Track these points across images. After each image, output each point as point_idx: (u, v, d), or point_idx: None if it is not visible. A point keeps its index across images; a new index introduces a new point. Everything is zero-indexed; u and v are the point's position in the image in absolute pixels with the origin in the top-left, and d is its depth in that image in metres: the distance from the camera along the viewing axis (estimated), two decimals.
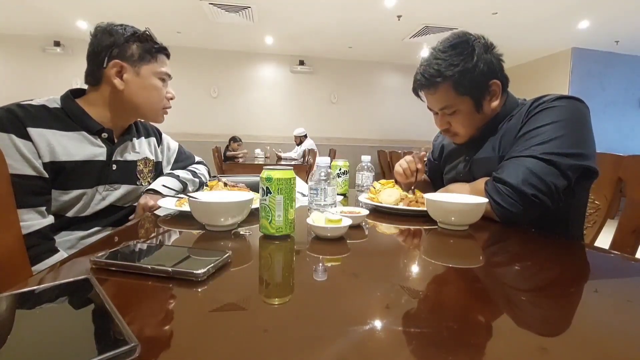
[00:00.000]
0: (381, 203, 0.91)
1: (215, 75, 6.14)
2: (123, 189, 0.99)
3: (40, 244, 0.79)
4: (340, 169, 1.22)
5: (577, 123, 0.82)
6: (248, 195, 0.76)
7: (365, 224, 0.79)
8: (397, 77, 6.68)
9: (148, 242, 0.64)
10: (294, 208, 0.66)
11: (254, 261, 0.55)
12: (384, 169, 5.50)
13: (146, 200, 0.97)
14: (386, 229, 0.78)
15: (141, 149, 1.08)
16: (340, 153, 5.96)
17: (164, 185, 1.04)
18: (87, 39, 0.93)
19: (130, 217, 1.02)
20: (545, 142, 0.80)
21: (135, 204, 1.02)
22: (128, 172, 1.01)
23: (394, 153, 4.75)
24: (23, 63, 5.46)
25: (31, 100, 0.87)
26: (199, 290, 0.41)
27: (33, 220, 0.79)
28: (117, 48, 0.91)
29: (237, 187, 0.95)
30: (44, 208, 0.82)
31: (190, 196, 0.71)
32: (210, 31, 5.14)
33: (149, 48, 0.96)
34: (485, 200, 0.75)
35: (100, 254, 0.47)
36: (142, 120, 1.13)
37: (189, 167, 1.24)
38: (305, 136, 5.71)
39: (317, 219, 0.64)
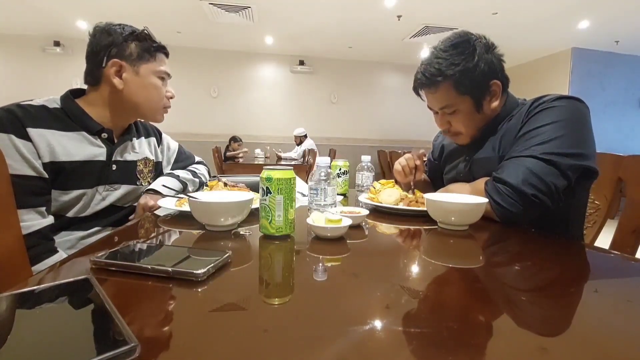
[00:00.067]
0: (381, 203, 0.91)
1: (215, 75, 6.14)
2: (123, 189, 0.99)
3: (40, 244, 0.79)
4: (340, 169, 1.22)
5: (577, 123, 0.82)
6: (248, 195, 0.76)
7: (365, 224, 0.79)
8: (397, 77, 6.68)
9: (148, 242, 0.64)
10: (294, 208, 0.66)
11: (254, 261, 0.55)
12: (384, 169, 5.50)
13: (146, 200, 0.97)
14: (386, 229, 0.78)
15: (141, 149, 1.08)
16: (340, 153, 5.96)
17: (164, 185, 1.04)
18: (87, 39, 0.93)
19: (130, 217, 1.02)
20: (545, 142, 0.80)
21: (135, 204, 1.02)
22: (128, 172, 1.01)
23: (394, 153, 4.76)
24: (23, 63, 5.46)
25: (31, 100, 0.87)
26: (199, 290, 0.41)
27: (33, 221, 0.79)
28: (115, 47, 0.91)
29: (237, 187, 0.95)
30: (43, 208, 0.82)
31: (190, 196, 0.71)
32: (210, 31, 5.14)
33: (148, 47, 0.96)
34: (485, 200, 0.75)
35: (100, 254, 0.47)
36: (142, 120, 1.13)
37: (189, 167, 1.24)
38: (305, 136, 5.71)
39: (317, 219, 0.64)
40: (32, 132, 0.81)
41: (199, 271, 0.42)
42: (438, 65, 0.91)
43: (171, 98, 1.04)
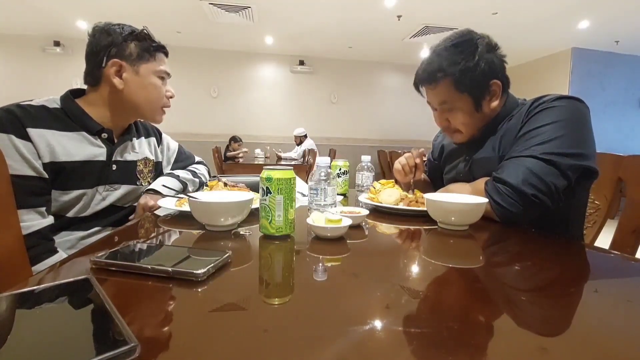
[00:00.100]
0: (381, 203, 0.91)
1: (215, 75, 6.14)
2: (123, 189, 0.99)
3: (40, 245, 0.79)
4: (340, 169, 1.22)
5: (577, 123, 0.82)
6: (248, 195, 0.76)
7: (365, 224, 0.79)
8: (397, 77, 6.68)
9: (148, 242, 0.64)
10: (294, 208, 0.66)
11: (254, 261, 0.55)
12: (384, 169, 5.50)
13: (146, 200, 0.97)
14: (386, 229, 0.78)
15: (141, 149, 1.08)
16: (340, 153, 5.96)
17: (164, 185, 1.04)
18: (86, 39, 0.93)
19: (130, 217, 1.02)
20: (545, 142, 0.80)
21: (135, 204, 1.02)
22: (128, 172, 1.01)
23: (394, 153, 4.75)
24: (23, 63, 5.46)
25: (31, 100, 0.87)
26: (199, 290, 0.41)
27: (33, 221, 0.79)
28: (115, 47, 0.91)
29: (237, 187, 0.95)
30: (43, 208, 0.82)
31: (190, 196, 0.71)
32: (210, 31, 5.14)
33: (147, 47, 0.96)
34: (485, 200, 0.75)
35: (100, 254, 0.47)
36: (142, 120, 1.13)
37: (189, 167, 1.24)
38: (305, 136, 5.71)
39: (317, 219, 0.64)
40: (32, 132, 0.81)
41: (199, 271, 0.42)
42: (439, 62, 0.91)
43: (171, 97, 1.04)
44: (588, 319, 0.39)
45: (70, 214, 0.90)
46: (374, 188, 1.00)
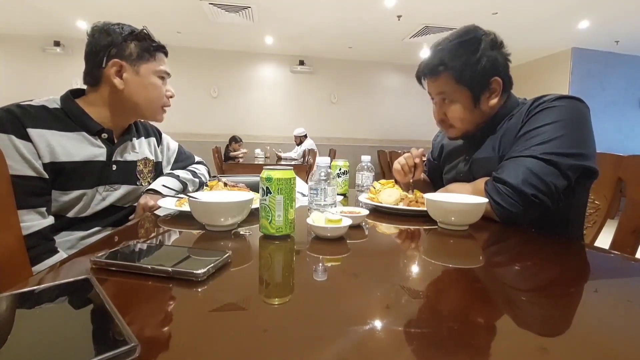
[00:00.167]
0: (381, 203, 0.91)
1: (215, 75, 6.14)
2: (123, 189, 0.99)
3: (40, 245, 0.79)
4: (340, 169, 1.22)
5: (577, 123, 0.82)
6: (248, 195, 0.76)
7: (365, 224, 0.79)
8: (397, 77, 6.68)
9: (148, 242, 0.64)
10: (294, 208, 0.66)
11: (254, 261, 0.55)
12: (384, 169, 5.50)
13: (146, 200, 0.97)
14: (386, 229, 0.78)
15: (141, 149, 1.08)
16: (340, 153, 5.96)
17: (164, 185, 1.04)
18: (86, 39, 0.93)
19: (130, 217, 1.02)
20: (546, 142, 0.80)
21: (135, 204, 1.02)
22: (128, 173, 1.01)
23: (394, 153, 4.75)
24: (23, 63, 5.46)
25: (31, 100, 0.87)
26: (199, 290, 0.41)
27: (33, 221, 0.79)
28: (115, 47, 0.91)
29: (237, 187, 0.95)
30: (44, 209, 0.82)
31: (190, 196, 0.71)
32: (210, 31, 5.14)
33: (147, 47, 0.96)
34: (485, 200, 0.75)
35: (100, 254, 0.47)
36: (142, 120, 1.13)
37: (189, 167, 1.24)
38: (305, 136, 5.71)
39: (317, 219, 0.64)
40: (32, 132, 0.81)
41: (199, 271, 0.42)
42: (442, 55, 0.92)
43: (171, 97, 1.05)
44: (588, 319, 0.39)
45: (70, 214, 0.90)
46: (374, 188, 1.00)
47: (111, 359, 0.25)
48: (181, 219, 0.79)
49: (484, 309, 0.40)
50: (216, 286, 0.42)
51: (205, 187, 0.99)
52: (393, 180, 1.07)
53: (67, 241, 0.89)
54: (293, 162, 4.77)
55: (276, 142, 6.30)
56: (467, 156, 1.03)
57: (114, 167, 0.97)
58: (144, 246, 0.55)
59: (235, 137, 5.73)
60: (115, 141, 0.98)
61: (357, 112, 6.66)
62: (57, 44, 5.44)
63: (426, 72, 0.97)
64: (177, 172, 1.15)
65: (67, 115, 0.90)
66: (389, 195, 0.91)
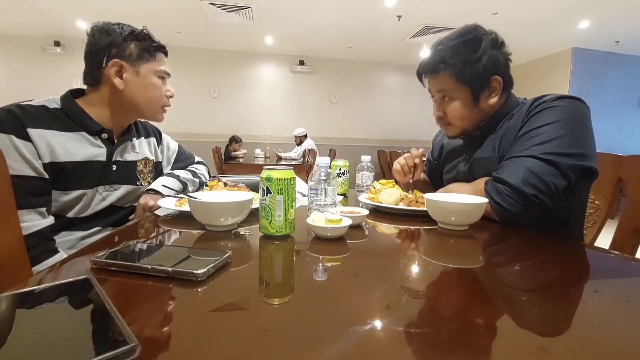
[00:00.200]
0: (381, 203, 0.91)
1: (215, 75, 6.14)
2: (123, 189, 0.99)
3: (40, 245, 0.79)
4: (340, 169, 1.22)
5: (578, 123, 0.82)
6: (248, 195, 0.76)
7: (365, 224, 0.79)
8: (397, 77, 6.68)
9: (148, 242, 0.64)
10: (294, 208, 0.66)
11: (254, 261, 0.55)
12: (384, 169, 5.50)
13: (146, 200, 0.97)
14: (386, 229, 0.78)
15: (141, 149, 1.08)
16: (340, 153, 5.96)
17: (164, 185, 1.04)
18: (86, 38, 0.93)
19: (130, 217, 1.02)
20: (546, 142, 0.80)
21: (135, 204, 1.02)
22: (128, 173, 1.01)
23: (394, 153, 4.75)
24: (23, 63, 5.46)
25: (31, 100, 0.87)
26: (199, 290, 0.41)
27: (33, 221, 0.79)
28: (115, 47, 0.91)
29: (237, 187, 0.95)
30: (44, 209, 0.82)
31: (190, 196, 0.71)
32: (210, 31, 5.14)
33: (148, 47, 0.96)
34: (485, 200, 0.75)
35: (100, 254, 0.47)
36: (142, 120, 1.13)
37: (189, 167, 1.24)
38: (305, 136, 5.71)
39: (317, 219, 0.64)
40: (32, 132, 0.81)
41: (199, 271, 0.42)
42: (442, 53, 0.93)
43: (171, 97, 1.05)
44: (588, 319, 0.39)
45: (70, 214, 0.90)
46: (374, 188, 1.00)
47: (111, 359, 0.25)
48: (181, 219, 0.79)
49: (484, 309, 0.40)
50: (216, 286, 0.42)
51: (205, 187, 0.99)
52: (393, 180, 1.07)
53: (67, 241, 0.89)
54: (293, 162, 4.77)
55: (276, 142, 6.31)
56: (467, 156, 1.03)
57: (114, 167, 0.97)
58: (144, 246, 0.55)
59: (235, 137, 5.73)
60: (115, 141, 0.98)
61: (357, 112, 6.66)
62: (57, 44, 5.44)
63: (427, 70, 0.98)
64: (177, 172, 1.15)
65: (67, 115, 0.90)
66: (389, 195, 0.91)
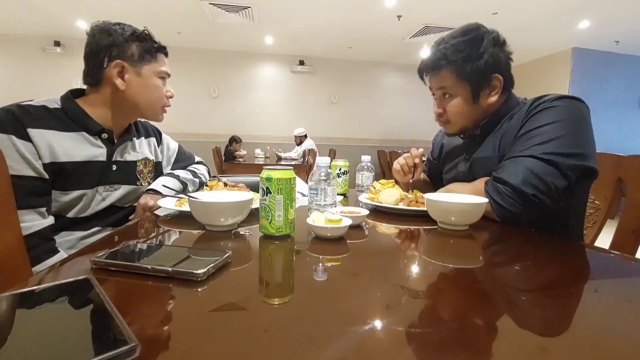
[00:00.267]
0: (381, 203, 0.91)
1: (215, 75, 6.14)
2: (123, 189, 0.99)
3: (40, 245, 0.80)
4: (340, 169, 1.22)
5: (578, 123, 0.82)
6: (248, 195, 0.76)
7: (365, 224, 0.79)
8: (397, 77, 6.68)
9: (148, 242, 0.64)
10: (294, 208, 0.66)
11: (254, 261, 0.55)
12: (384, 169, 5.50)
13: (146, 200, 0.97)
14: (386, 229, 0.78)
15: (141, 149, 1.08)
16: (340, 153, 5.96)
17: (164, 185, 1.04)
18: (86, 39, 0.93)
19: (131, 217, 1.02)
20: (546, 142, 0.80)
21: (135, 204, 1.02)
22: (128, 173, 1.01)
23: (394, 153, 4.75)
24: (23, 63, 5.46)
25: (31, 100, 0.87)
26: (199, 290, 0.41)
27: (33, 221, 0.79)
28: (116, 48, 0.91)
29: (237, 187, 0.95)
30: (44, 209, 0.82)
31: (190, 196, 0.71)
32: (210, 31, 5.14)
33: (149, 48, 0.96)
34: (485, 200, 0.75)
35: (100, 254, 0.47)
36: (142, 120, 1.13)
37: (189, 167, 1.24)
38: (305, 136, 5.71)
39: (317, 219, 0.64)
40: (32, 132, 0.81)
41: (199, 271, 0.42)
42: (444, 50, 0.93)
43: (171, 97, 1.05)
44: (588, 319, 0.39)
45: (70, 214, 0.90)
46: (374, 188, 1.00)
47: (111, 359, 0.25)
48: (181, 219, 0.79)
49: (484, 309, 0.40)
50: (216, 286, 0.42)
51: (205, 187, 0.99)
52: (393, 180, 1.07)
53: (67, 241, 0.89)
54: (293, 162, 4.78)
55: (276, 142, 6.30)
56: (467, 156, 1.03)
57: (114, 167, 0.97)
58: (144, 246, 0.55)
59: (235, 137, 5.73)
60: (115, 141, 0.99)
61: (357, 112, 6.66)
62: (57, 44, 5.44)
63: (428, 67, 0.98)
64: (177, 172, 1.15)
65: (68, 115, 0.90)
66: (389, 195, 0.91)
